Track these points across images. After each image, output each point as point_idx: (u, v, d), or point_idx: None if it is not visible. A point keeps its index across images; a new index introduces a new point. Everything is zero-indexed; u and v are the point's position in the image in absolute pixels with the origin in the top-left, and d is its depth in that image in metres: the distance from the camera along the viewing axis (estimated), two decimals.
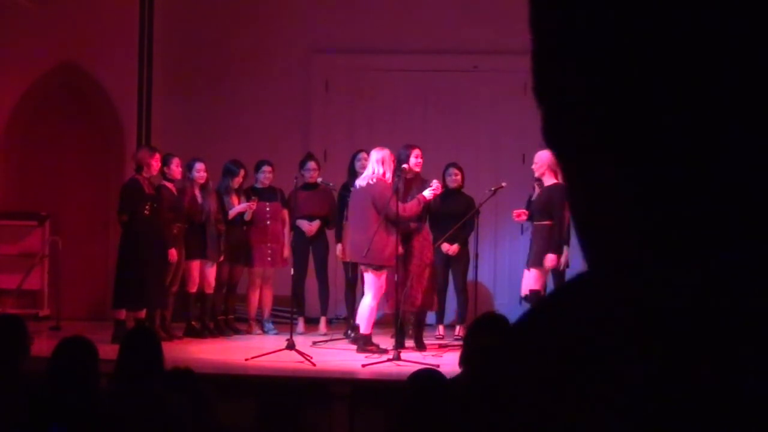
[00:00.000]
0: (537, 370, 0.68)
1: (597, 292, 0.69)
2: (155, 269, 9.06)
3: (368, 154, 9.73)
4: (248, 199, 9.88)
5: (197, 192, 9.60)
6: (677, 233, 0.65)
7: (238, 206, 9.79)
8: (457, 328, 9.67)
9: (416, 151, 8.80)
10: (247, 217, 9.84)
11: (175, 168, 9.49)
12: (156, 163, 9.20)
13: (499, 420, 0.68)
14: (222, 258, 9.77)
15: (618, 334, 0.65)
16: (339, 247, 9.89)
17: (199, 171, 9.60)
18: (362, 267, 8.84)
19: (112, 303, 9.37)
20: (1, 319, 5.32)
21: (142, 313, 9.12)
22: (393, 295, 8.45)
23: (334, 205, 9.92)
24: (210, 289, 9.70)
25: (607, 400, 0.63)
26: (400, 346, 8.28)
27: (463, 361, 4.58)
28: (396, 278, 8.40)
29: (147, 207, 9.06)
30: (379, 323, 9.48)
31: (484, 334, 4.41)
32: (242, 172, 9.90)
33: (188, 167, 9.60)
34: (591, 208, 0.72)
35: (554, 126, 0.73)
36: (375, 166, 8.64)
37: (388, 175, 8.59)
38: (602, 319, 0.67)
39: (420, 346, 8.76)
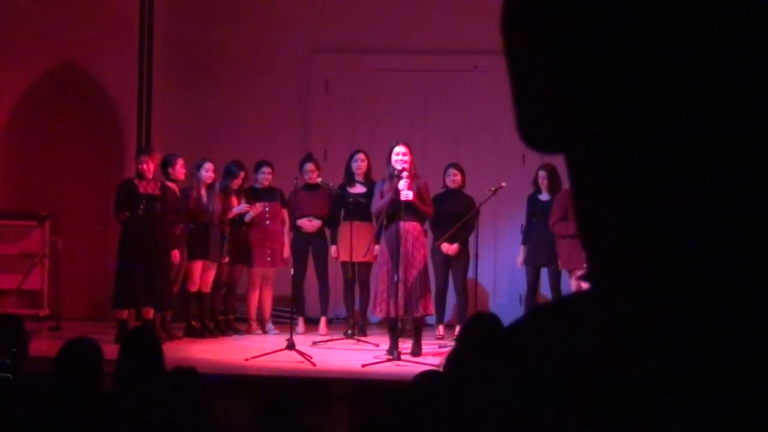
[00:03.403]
0: (525, 376, 0.68)
1: (589, 306, 0.69)
2: (149, 269, 9.02)
3: (366, 155, 9.75)
4: (248, 200, 9.88)
5: (203, 192, 9.59)
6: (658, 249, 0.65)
7: (237, 207, 9.78)
8: (457, 328, 9.64)
9: (397, 149, 8.49)
10: (248, 219, 9.83)
11: (179, 169, 9.48)
12: (146, 166, 9.13)
13: (489, 420, 0.69)
14: (227, 259, 9.76)
15: (600, 349, 0.65)
16: (333, 248, 9.87)
17: (207, 171, 9.59)
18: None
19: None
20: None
21: (150, 313, 9.10)
22: (384, 299, 8.37)
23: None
24: (207, 289, 9.69)
25: (587, 408, 0.63)
26: (394, 347, 8.20)
27: (450, 361, 4.50)
28: (386, 281, 8.33)
29: (141, 206, 9.04)
30: (383, 323, 9.48)
31: (476, 334, 4.40)
32: (242, 174, 9.89)
33: (197, 166, 9.59)
34: (580, 210, 0.72)
35: (527, 123, 0.75)
36: None
37: None
38: (588, 333, 0.67)
39: (415, 352, 8.45)
